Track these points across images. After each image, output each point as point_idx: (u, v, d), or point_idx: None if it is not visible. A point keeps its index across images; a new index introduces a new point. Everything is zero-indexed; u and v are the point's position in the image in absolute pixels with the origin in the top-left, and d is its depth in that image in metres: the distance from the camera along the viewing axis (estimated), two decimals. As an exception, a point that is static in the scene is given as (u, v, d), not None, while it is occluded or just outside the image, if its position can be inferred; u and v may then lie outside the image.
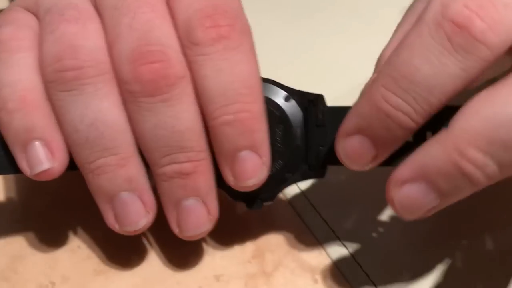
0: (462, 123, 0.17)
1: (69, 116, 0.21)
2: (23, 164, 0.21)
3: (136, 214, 0.22)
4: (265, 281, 0.24)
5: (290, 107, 0.22)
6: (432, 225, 0.26)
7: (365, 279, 0.24)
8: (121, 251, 0.25)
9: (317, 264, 0.25)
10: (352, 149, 0.19)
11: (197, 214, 0.21)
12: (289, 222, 0.26)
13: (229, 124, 0.20)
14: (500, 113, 0.16)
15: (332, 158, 0.21)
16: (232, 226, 0.26)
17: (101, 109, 0.20)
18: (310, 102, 0.22)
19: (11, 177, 0.27)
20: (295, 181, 0.23)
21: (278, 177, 0.22)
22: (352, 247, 0.25)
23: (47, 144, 0.21)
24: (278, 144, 0.22)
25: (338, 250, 0.25)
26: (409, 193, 0.18)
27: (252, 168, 0.20)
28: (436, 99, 0.17)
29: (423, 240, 0.26)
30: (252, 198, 0.23)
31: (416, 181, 0.18)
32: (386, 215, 0.26)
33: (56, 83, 0.21)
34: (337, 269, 0.25)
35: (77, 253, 0.25)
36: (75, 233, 0.25)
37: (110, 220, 0.22)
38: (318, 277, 0.24)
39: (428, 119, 0.18)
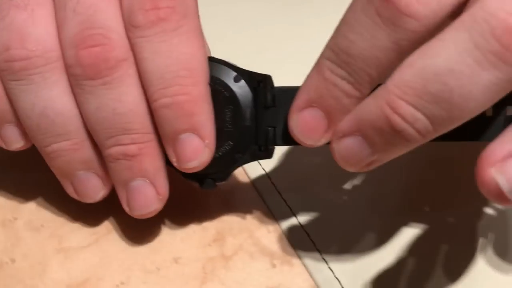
0: (395, 77, 0.17)
1: (20, 104, 0.21)
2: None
3: (93, 189, 0.23)
4: (224, 265, 0.24)
5: (239, 87, 0.22)
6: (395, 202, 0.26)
7: (324, 267, 0.24)
8: (82, 231, 0.25)
9: (276, 249, 0.25)
10: (305, 123, 0.19)
11: (145, 194, 0.22)
12: (252, 206, 0.26)
13: (167, 107, 0.20)
14: (429, 65, 0.16)
15: (283, 138, 0.21)
16: (194, 209, 0.26)
17: (51, 97, 0.21)
18: (259, 82, 0.22)
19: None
20: (245, 161, 0.23)
21: (228, 158, 0.22)
22: (314, 233, 0.25)
23: (18, 126, 0.22)
24: (228, 125, 0.22)
25: (299, 236, 0.25)
26: (347, 145, 0.18)
27: (193, 151, 0.21)
28: (374, 71, 0.17)
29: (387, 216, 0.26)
30: (204, 177, 0.23)
31: (353, 135, 0.18)
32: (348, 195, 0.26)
33: (6, 72, 0.21)
34: (296, 255, 0.24)
35: (40, 231, 0.25)
36: (39, 211, 0.26)
37: (71, 192, 0.23)
38: (277, 262, 0.24)
39: (374, 87, 0.18)
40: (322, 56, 0.19)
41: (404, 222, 0.25)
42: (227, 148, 0.22)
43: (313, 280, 0.23)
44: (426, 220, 0.25)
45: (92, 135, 0.21)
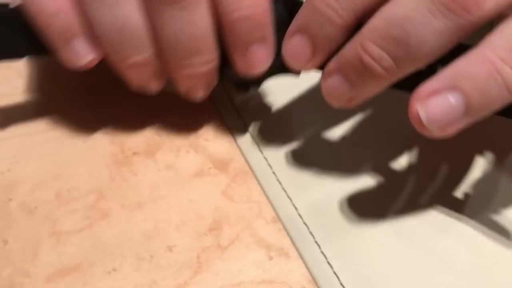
0: (369, 22, 0.20)
1: (98, 19, 0.22)
2: (67, 58, 0.24)
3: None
4: (218, 255, 0.23)
5: (279, 8, 0.23)
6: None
7: (323, 261, 0.23)
8: (76, 214, 0.24)
9: (274, 241, 0.24)
10: (292, 47, 0.22)
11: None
12: (251, 196, 0.26)
13: (242, 20, 0.22)
14: (393, 13, 0.19)
15: None
16: (191, 196, 0.25)
17: (126, 14, 0.22)
18: (294, 6, 0.23)
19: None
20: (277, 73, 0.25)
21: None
22: (313, 226, 0.24)
23: (87, 40, 0.23)
24: None
25: (297, 228, 0.24)
26: (330, 83, 0.21)
27: (261, 59, 0.23)
28: (359, 4, 0.20)
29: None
30: (246, 84, 0.26)
31: (335, 73, 0.21)
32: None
33: None
34: (294, 248, 0.24)
35: (34, 213, 0.24)
36: (34, 193, 0.25)
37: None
38: (273, 254, 0.23)
39: (354, 21, 0.20)
40: None
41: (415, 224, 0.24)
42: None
43: (311, 274, 0.23)
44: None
45: (165, 53, 0.23)
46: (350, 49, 0.20)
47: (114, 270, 0.22)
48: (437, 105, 0.19)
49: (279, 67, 0.24)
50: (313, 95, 0.31)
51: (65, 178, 0.26)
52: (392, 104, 0.25)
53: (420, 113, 0.19)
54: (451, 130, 0.19)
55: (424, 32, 0.18)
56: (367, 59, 0.20)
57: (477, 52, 0.18)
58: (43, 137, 0.28)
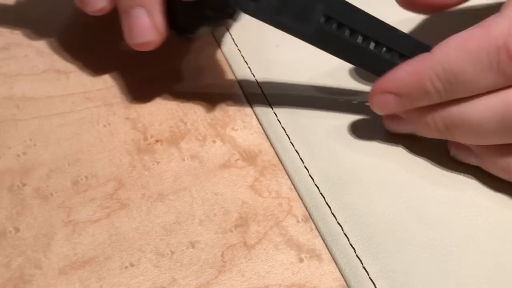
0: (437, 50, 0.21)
1: None
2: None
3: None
4: (245, 254, 0.21)
5: None
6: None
7: (358, 266, 0.21)
8: (93, 203, 0.23)
9: (305, 242, 0.22)
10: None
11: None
12: (282, 192, 0.24)
13: None
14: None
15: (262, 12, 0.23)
16: (217, 189, 0.24)
17: None
18: None
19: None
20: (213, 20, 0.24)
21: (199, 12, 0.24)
22: (348, 227, 0.22)
23: None
24: None
25: (331, 229, 0.22)
26: (384, 99, 0.23)
27: (143, 27, 0.24)
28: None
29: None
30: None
31: (388, 92, 0.23)
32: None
33: None
34: (327, 250, 0.22)
35: (49, 200, 0.23)
36: (50, 179, 0.24)
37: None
38: (304, 256, 0.21)
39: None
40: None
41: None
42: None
43: (345, 280, 0.21)
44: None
45: None
46: (411, 71, 0.22)
47: (132, 265, 0.21)
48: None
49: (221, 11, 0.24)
50: (346, 86, 0.29)
51: (83, 164, 0.24)
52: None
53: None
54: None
55: None
56: (428, 85, 0.22)
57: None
58: (62, 119, 0.26)
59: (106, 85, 0.28)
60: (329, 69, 0.29)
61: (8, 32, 0.31)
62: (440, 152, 0.25)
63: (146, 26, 0.24)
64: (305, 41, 0.23)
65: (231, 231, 0.22)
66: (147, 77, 0.29)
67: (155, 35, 0.24)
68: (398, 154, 0.25)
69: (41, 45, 0.31)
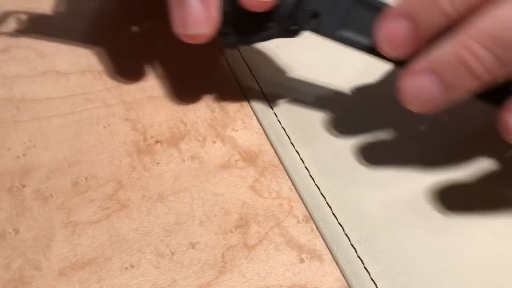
0: (474, 22, 0.18)
1: None
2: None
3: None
4: (245, 255, 0.21)
5: None
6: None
7: (359, 267, 0.21)
8: (93, 204, 0.23)
9: (306, 242, 0.22)
10: (391, 31, 0.20)
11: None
12: (282, 192, 0.24)
13: None
14: (503, 15, 0.18)
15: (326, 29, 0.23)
16: (217, 190, 0.23)
17: None
18: None
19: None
20: (274, 34, 0.23)
21: (261, 23, 0.23)
22: (349, 227, 0.22)
23: None
24: None
25: (332, 229, 0.22)
26: (419, 83, 0.19)
27: (198, 17, 0.22)
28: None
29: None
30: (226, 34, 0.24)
31: (426, 73, 0.19)
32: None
33: None
34: (328, 250, 0.21)
35: (49, 202, 0.23)
36: (49, 180, 0.23)
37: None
38: (305, 256, 0.21)
39: (461, 16, 0.19)
40: (467, 35, 0.18)
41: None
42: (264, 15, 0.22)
43: (346, 280, 0.21)
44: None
45: None
46: (449, 49, 0.19)
47: (132, 266, 0.21)
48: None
49: (285, 28, 0.23)
50: (351, 86, 0.29)
51: (83, 165, 0.24)
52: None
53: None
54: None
55: None
56: (469, 58, 0.18)
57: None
58: (61, 121, 0.26)
59: (106, 86, 0.28)
60: (330, 70, 0.29)
61: (8, 34, 0.31)
62: (444, 151, 0.25)
63: (202, 17, 0.22)
64: (364, 52, 0.23)
65: (232, 232, 0.22)
66: (146, 78, 0.29)
67: (209, 28, 0.22)
68: (400, 154, 0.25)
69: (41, 47, 0.31)
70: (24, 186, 0.23)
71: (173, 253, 0.21)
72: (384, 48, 0.20)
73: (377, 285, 0.20)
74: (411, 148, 0.25)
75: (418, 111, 0.20)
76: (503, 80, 0.19)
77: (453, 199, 0.23)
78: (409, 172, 0.24)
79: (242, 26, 0.23)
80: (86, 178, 0.24)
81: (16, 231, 0.22)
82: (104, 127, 0.26)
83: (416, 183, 0.24)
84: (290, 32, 0.23)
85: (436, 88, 0.19)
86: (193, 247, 0.21)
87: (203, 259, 0.21)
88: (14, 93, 0.27)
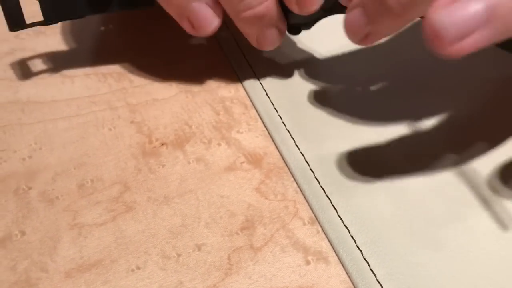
0: None
1: None
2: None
3: (206, 19, 0.25)
4: (251, 257, 0.21)
5: None
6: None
7: (365, 268, 0.21)
8: (99, 206, 0.23)
9: (312, 244, 0.22)
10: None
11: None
12: (288, 194, 0.24)
13: None
14: None
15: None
16: (223, 193, 0.23)
17: None
18: None
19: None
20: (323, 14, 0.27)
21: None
22: (355, 229, 0.22)
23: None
24: None
25: (338, 231, 0.22)
26: (351, 16, 0.22)
27: None
28: None
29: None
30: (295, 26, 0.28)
31: (356, 7, 0.22)
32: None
33: None
34: (334, 252, 0.21)
35: (55, 204, 0.23)
36: (55, 182, 0.23)
37: (188, 28, 0.26)
38: (311, 258, 0.21)
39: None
40: None
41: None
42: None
43: (352, 282, 0.21)
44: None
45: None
46: None
47: (138, 268, 0.21)
48: (460, 8, 0.17)
49: (329, 7, 0.26)
50: (355, 85, 0.29)
51: (88, 167, 0.24)
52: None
53: (439, 17, 0.17)
54: (467, 43, 0.17)
55: None
56: None
57: None
58: (67, 123, 0.26)
59: (111, 89, 0.28)
60: (333, 70, 0.29)
61: (13, 38, 0.32)
62: (446, 151, 0.25)
63: (276, 35, 0.27)
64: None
65: (237, 234, 0.22)
66: (151, 81, 0.29)
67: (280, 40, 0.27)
68: (405, 156, 0.25)
69: (46, 50, 0.31)
70: (30, 188, 0.23)
71: (179, 255, 0.21)
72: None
73: (383, 287, 0.20)
74: (418, 149, 0.25)
75: (355, 42, 0.23)
76: None
77: (461, 200, 0.23)
78: (415, 175, 0.24)
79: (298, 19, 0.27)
80: (92, 180, 0.24)
81: (23, 233, 0.22)
82: (110, 129, 0.26)
83: (422, 185, 0.24)
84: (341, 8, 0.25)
85: (362, 21, 0.21)
86: (199, 249, 0.21)
87: (209, 261, 0.21)
88: (19, 96, 0.28)
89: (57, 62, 0.30)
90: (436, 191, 0.24)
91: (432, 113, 0.28)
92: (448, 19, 0.17)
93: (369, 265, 0.21)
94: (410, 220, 0.23)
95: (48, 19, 0.26)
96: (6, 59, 0.30)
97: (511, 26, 0.17)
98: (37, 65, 0.30)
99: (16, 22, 0.25)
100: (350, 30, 0.22)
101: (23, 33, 0.32)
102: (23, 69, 0.29)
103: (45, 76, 0.29)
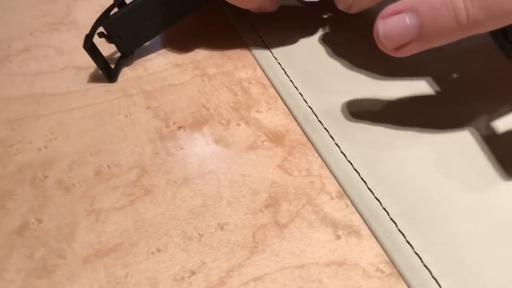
0: None
1: None
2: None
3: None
4: (277, 234, 0.20)
5: None
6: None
7: (401, 241, 0.19)
8: (116, 191, 0.22)
9: (342, 218, 0.20)
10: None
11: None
12: (312, 169, 0.22)
13: None
14: None
15: None
16: (244, 171, 0.22)
17: None
18: None
19: None
20: None
21: None
22: (387, 200, 0.21)
23: None
24: None
25: (369, 203, 0.21)
26: (396, 18, 0.19)
27: None
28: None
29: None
30: None
31: (406, 11, 0.19)
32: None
33: None
34: (366, 225, 0.20)
35: (71, 191, 0.22)
36: (71, 170, 0.23)
37: None
38: (342, 232, 0.20)
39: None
40: None
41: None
42: None
43: (387, 255, 0.19)
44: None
45: None
46: None
47: (159, 250, 0.20)
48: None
49: None
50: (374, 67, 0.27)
51: (105, 154, 0.23)
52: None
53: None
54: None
55: None
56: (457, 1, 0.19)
57: None
58: (82, 112, 0.26)
59: (125, 77, 0.28)
60: (354, 47, 0.28)
61: (28, 35, 0.31)
62: (480, 121, 0.23)
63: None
64: None
65: (262, 211, 0.21)
66: (166, 67, 0.28)
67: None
68: (433, 125, 0.24)
69: (60, 44, 0.30)
70: (46, 177, 0.23)
71: (201, 235, 0.20)
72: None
73: (422, 259, 0.19)
74: (448, 118, 0.24)
75: (391, 48, 0.20)
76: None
77: (502, 160, 0.22)
78: (448, 142, 0.23)
79: None
80: (108, 166, 0.23)
81: (39, 221, 0.21)
82: (126, 116, 0.25)
83: (456, 153, 0.22)
84: None
85: (412, 25, 0.19)
86: (221, 228, 0.20)
87: (233, 239, 0.20)
88: (34, 89, 0.27)
89: (72, 55, 0.29)
90: (473, 157, 0.22)
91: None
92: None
93: (405, 237, 0.19)
94: (445, 188, 0.21)
95: (126, 54, 0.28)
96: (22, 55, 0.30)
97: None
98: (52, 59, 0.29)
99: (109, 75, 0.27)
100: (391, 37, 0.20)
101: (37, 30, 0.31)
102: (38, 64, 0.29)
103: (60, 69, 0.29)
